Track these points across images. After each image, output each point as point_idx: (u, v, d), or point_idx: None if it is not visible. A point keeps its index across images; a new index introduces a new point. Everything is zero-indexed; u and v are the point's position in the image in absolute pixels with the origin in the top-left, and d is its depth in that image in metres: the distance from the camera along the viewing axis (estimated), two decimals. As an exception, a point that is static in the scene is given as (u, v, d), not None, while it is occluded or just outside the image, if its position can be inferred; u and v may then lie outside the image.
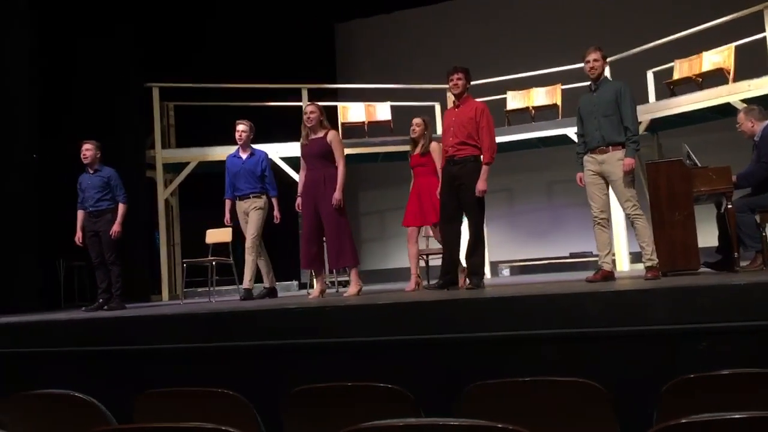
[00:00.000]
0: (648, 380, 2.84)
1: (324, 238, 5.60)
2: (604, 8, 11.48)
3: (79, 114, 8.18)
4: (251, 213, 6.53)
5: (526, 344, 3.27)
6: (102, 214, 6.15)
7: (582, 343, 3.19)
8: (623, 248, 8.99)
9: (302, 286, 9.79)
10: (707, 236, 5.47)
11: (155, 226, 9.34)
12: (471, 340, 3.35)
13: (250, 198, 6.55)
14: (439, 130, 10.67)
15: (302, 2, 12.15)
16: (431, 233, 5.96)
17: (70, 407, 2.24)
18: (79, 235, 6.19)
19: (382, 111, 10.36)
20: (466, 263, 5.39)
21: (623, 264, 8.98)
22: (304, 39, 12.31)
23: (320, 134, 5.63)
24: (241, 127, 6.66)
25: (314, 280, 5.80)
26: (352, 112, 10.32)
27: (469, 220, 5.34)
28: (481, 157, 5.25)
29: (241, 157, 6.65)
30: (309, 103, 5.88)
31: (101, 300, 6.15)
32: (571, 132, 9.18)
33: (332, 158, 5.59)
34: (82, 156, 6.20)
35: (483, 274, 5.40)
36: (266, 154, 6.77)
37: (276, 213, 6.57)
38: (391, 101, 10.39)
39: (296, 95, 9.83)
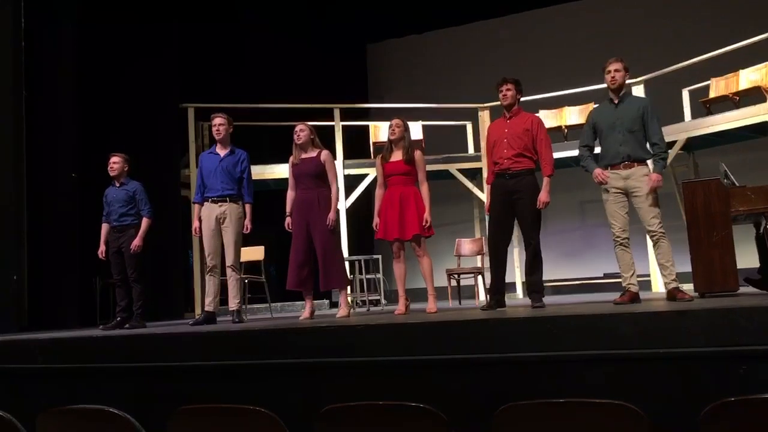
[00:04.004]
0: (686, 403, 2.79)
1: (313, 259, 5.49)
2: (638, 26, 11.41)
3: (121, 134, 8.34)
4: (228, 226, 5.70)
5: (561, 365, 3.22)
6: (125, 230, 6.02)
7: (618, 365, 3.14)
8: (657, 268, 8.83)
9: (333, 305, 9.80)
10: (746, 257, 5.35)
11: (189, 244, 9.45)
12: (505, 360, 3.32)
13: (226, 202, 5.71)
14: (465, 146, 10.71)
15: (334, 23, 12.31)
16: (416, 249, 5.40)
17: (104, 423, 2.26)
18: (102, 249, 6.08)
19: (414, 130, 10.37)
20: (527, 281, 5.21)
21: (658, 285, 8.82)
22: (336, 59, 12.46)
23: (312, 153, 5.61)
24: (218, 120, 5.81)
25: (306, 300, 5.59)
26: (384, 131, 10.33)
27: (527, 236, 5.10)
28: (536, 171, 5.16)
29: (218, 154, 5.81)
30: (299, 122, 5.76)
31: (119, 318, 5.99)
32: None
33: (325, 178, 5.57)
34: (109, 168, 6.12)
35: (543, 291, 5.13)
36: (247, 155, 5.89)
37: (247, 222, 5.76)
38: (423, 121, 10.43)
39: (328, 115, 9.92)
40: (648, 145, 4.85)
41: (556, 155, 9.66)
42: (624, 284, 4.79)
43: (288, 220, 5.59)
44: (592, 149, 5.03)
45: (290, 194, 5.65)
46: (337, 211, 5.56)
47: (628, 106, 4.83)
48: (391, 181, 5.54)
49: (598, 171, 4.85)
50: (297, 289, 5.59)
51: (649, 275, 8.89)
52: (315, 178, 5.53)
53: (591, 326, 3.31)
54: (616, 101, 4.87)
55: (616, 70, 4.81)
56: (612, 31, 11.59)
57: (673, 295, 4.61)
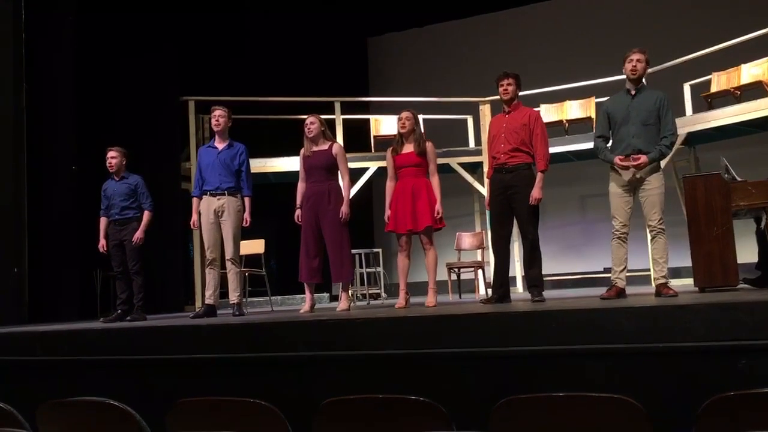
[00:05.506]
0: (686, 398, 2.79)
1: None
2: (639, 20, 11.38)
3: (121, 126, 8.32)
4: (227, 219, 5.68)
5: (561, 360, 3.23)
6: (127, 223, 6.03)
7: (618, 359, 3.14)
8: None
9: (333, 298, 9.80)
10: (746, 252, 5.35)
11: (189, 237, 9.44)
12: (504, 354, 3.32)
13: (224, 195, 5.69)
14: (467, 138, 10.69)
15: (335, 17, 12.27)
16: (423, 242, 5.38)
17: (106, 415, 2.26)
18: (102, 242, 6.09)
19: (415, 124, 10.37)
20: (526, 275, 5.22)
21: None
22: (337, 53, 12.43)
23: (324, 146, 5.58)
24: (218, 113, 5.82)
25: (306, 293, 5.58)
26: (384, 125, 10.35)
27: (523, 231, 5.12)
28: (534, 165, 5.14)
29: (216, 148, 5.83)
30: (309, 114, 5.73)
31: (120, 311, 6.00)
32: (606, 145, 9.09)
33: (336, 171, 5.58)
34: (107, 164, 6.13)
35: (542, 285, 5.15)
36: (246, 148, 5.89)
37: (246, 216, 5.75)
38: (424, 114, 10.40)
39: (329, 108, 9.90)
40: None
41: (558, 149, 9.77)
42: (612, 278, 4.77)
43: (298, 212, 5.58)
44: (608, 140, 4.93)
45: (301, 186, 5.64)
46: (350, 204, 5.54)
47: (645, 98, 4.73)
48: (402, 173, 5.51)
49: (618, 159, 4.74)
50: (310, 281, 5.56)
51: (649, 270, 8.88)
52: (326, 171, 5.53)
53: (590, 320, 3.31)
54: (633, 92, 4.78)
55: (638, 60, 4.72)
56: (613, 25, 11.56)
57: (659, 290, 4.60)
